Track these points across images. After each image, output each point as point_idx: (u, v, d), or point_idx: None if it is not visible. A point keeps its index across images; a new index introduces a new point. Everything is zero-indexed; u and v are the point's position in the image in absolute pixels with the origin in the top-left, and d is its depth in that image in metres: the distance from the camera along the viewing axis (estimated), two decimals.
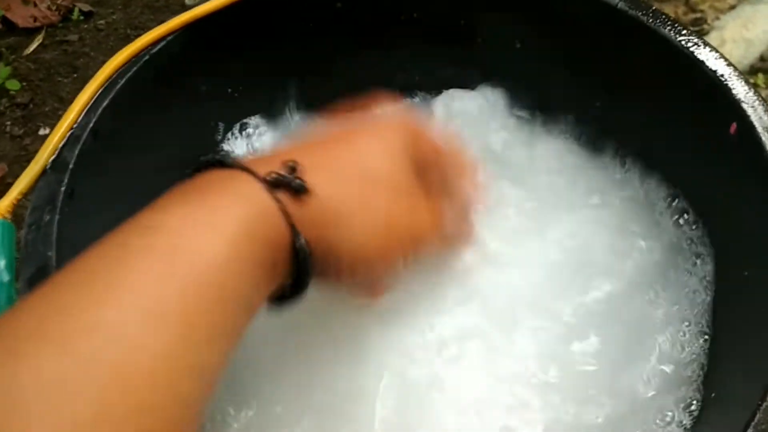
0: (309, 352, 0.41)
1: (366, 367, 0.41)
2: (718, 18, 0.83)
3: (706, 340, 0.44)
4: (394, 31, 0.51)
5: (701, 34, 0.75)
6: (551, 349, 0.43)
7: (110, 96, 0.40)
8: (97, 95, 0.39)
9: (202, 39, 0.44)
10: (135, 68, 0.41)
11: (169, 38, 0.42)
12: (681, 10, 0.84)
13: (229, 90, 0.48)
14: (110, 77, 0.40)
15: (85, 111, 0.39)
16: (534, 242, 0.47)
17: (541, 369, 0.43)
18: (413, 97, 0.55)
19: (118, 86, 0.40)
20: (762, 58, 0.79)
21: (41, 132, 0.75)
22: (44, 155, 0.37)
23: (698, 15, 0.83)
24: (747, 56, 0.77)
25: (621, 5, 0.44)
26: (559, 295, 0.45)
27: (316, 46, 0.49)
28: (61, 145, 0.38)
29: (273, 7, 0.46)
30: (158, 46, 0.42)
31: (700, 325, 0.45)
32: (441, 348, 0.43)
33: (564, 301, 0.45)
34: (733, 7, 0.84)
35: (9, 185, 0.69)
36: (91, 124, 0.38)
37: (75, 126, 0.38)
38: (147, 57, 0.41)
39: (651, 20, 0.44)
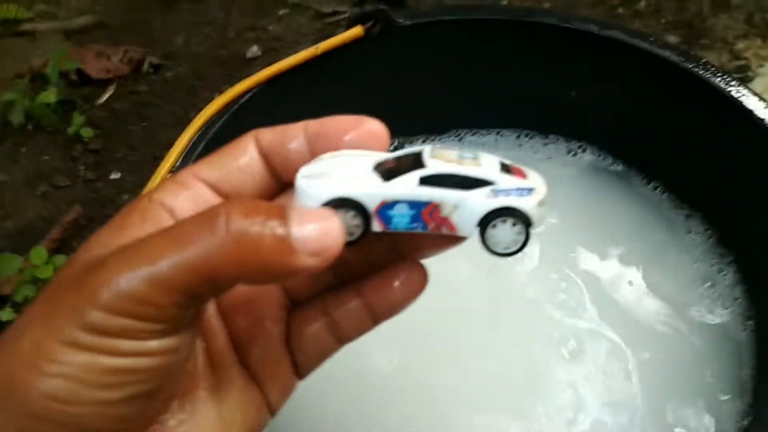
0: None
1: None
2: (761, 65, 0.85)
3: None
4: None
5: (745, 81, 0.78)
6: None
7: (204, 142, 0.43)
8: (191, 143, 0.43)
9: (281, 89, 0.48)
10: (225, 116, 0.45)
11: (255, 90, 0.46)
12: (725, 57, 0.87)
13: None
14: (205, 124, 0.44)
15: (183, 155, 0.43)
16: None
17: None
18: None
19: (211, 133, 0.44)
20: None
21: (112, 176, 0.79)
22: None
23: (742, 62, 0.85)
24: None
25: (673, 58, 0.47)
26: None
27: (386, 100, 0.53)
28: None
29: (342, 60, 0.50)
30: (246, 97, 0.46)
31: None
32: None
33: None
34: None
35: (82, 227, 0.75)
36: None
37: (174, 168, 0.42)
38: (236, 107, 0.45)
39: (702, 71, 0.46)
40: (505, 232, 0.26)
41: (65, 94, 0.85)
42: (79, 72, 0.87)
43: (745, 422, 0.44)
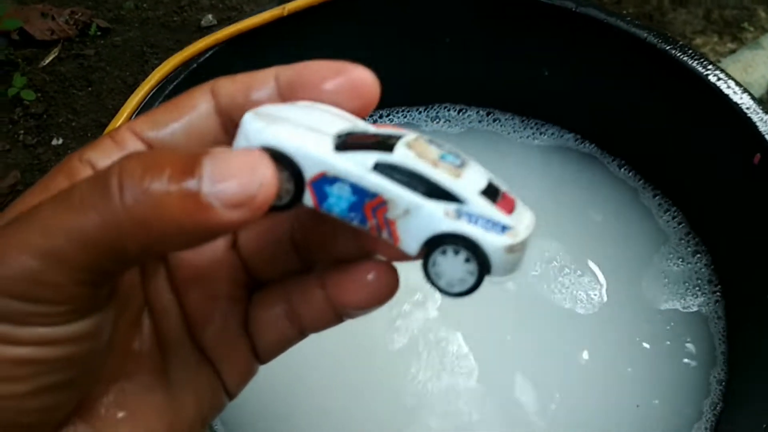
0: None
1: None
2: (718, 61, 0.85)
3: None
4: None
5: None
6: None
7: (158, 101, 0.41)
8: (146, 100, 0.40)
9: (244, 51, 0.45)
10: (182, 75, 0.42)
11: (215, 49, 0.43)
12: None
13: None
14: (159, 83, 0.41)
15: (134, 115, 0.40)
16: None
17: None
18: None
19: (167, 92, 0.41)
20: (761, 101, 0.82)
21: (54, 142, 0.75)
22: None
23: None
24: None
25: (650, 39, 0.46)
26: None
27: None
28: None
29: (310, 22, 0.48)
30: (205, 56, 0.43)
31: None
32: None
33: None
34: (733, 51, 0.87)
35: (20, 192, 0.70)
36: None
37: None
38: (194, 66, 0.42)
39: (679, 53, 0.45)
40: (453, 265, 0.21)
41: (6, 54, 0.80)
42: (22, 32, 0.83)
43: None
